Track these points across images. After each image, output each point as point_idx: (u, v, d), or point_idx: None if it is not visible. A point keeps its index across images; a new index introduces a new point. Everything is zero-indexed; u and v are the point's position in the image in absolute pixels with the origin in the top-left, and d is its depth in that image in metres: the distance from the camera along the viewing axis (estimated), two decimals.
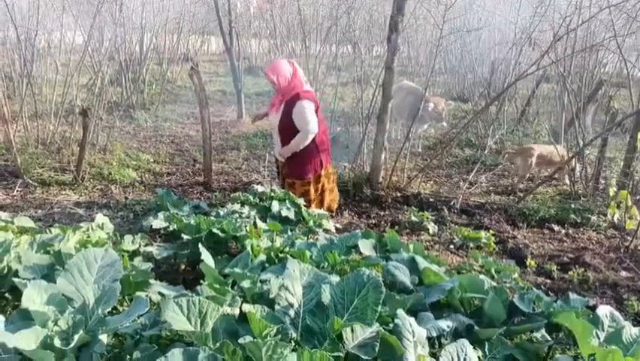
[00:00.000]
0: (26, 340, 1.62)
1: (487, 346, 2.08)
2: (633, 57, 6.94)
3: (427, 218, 4.26)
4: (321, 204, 4.17)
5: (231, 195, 3.77)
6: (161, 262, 2.96)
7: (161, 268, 2.98)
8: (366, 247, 2.91)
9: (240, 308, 2.04)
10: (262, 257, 2.63)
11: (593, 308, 2.38)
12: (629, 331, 2.07)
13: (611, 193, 4.28)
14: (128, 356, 1.66)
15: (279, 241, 2.92)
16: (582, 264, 3.58)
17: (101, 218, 3.15)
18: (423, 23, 8.36)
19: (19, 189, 4.58)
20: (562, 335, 2.32)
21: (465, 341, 1.85)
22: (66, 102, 5.94)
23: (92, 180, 4.93)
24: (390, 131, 6.04)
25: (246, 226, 3.02)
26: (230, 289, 2.21)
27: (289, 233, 3.13)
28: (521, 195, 5.00)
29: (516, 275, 3.16)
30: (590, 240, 4.15)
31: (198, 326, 1.73)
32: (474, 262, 3.37)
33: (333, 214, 4.35)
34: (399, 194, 4.88)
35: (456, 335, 2.12)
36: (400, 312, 1.91)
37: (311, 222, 3.49)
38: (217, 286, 2.18)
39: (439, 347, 2.09)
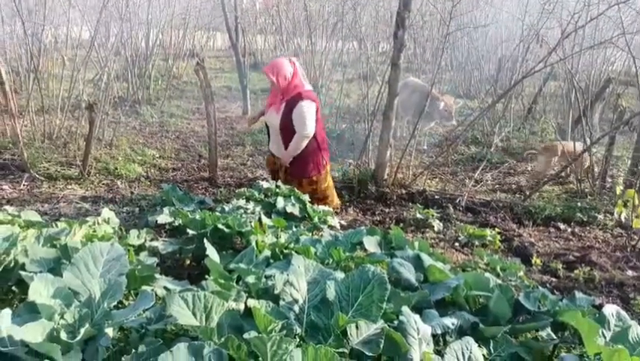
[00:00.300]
0: (33, 333, 1.63)
1: (492, 344, 2.07)
2: None
3: (432, 215, 4.24)
4: (330, 201, 4.15)
5: (236, 191, 3.78)
6: (167, 256, 2.96)
7: (166, 263, 2.98)
8: (371, 243, 2.90)
9: (245, 303, 2.04)
10: (267, 253, 2.63)
11: (599, 307, 2.36)
12: (636, 330, 2.05)
13: (618, 192, 4.26)
14: (134, 350, 1.66)
15: (283, 237, 2.91)
16: (588, 263, 3.56)
17: (106, 213, 3.15)
18: (429, 20, 8.31)
19: (26, 184, 4.61)
20: (567, 334, 2.30)
21: (470, 339, 1.84)
22: (72, 97, 5.98)
23: (97, 174, 4.96)
24: (396, 129, 6.03)
25: (250, 222, 3.02)
26: (235, 284, 2.20)
27: (294, 229, 3.12)
28: (527, 192, 4.97)
29: (521, 273, 3.14)
30: (597, 239, 4.13)
31: (203, 321, 1.73)
32: (479, 259, 3.35)
33: (338, 211, 4.35)
34: (404, 191, 4.86)
35: (461, 332, 2.11)
36: (405, 309, 1.90)
37: (316, 219, 3.48)
38: (222, 281, 2.18)
39: (444, 344, 2.09)
